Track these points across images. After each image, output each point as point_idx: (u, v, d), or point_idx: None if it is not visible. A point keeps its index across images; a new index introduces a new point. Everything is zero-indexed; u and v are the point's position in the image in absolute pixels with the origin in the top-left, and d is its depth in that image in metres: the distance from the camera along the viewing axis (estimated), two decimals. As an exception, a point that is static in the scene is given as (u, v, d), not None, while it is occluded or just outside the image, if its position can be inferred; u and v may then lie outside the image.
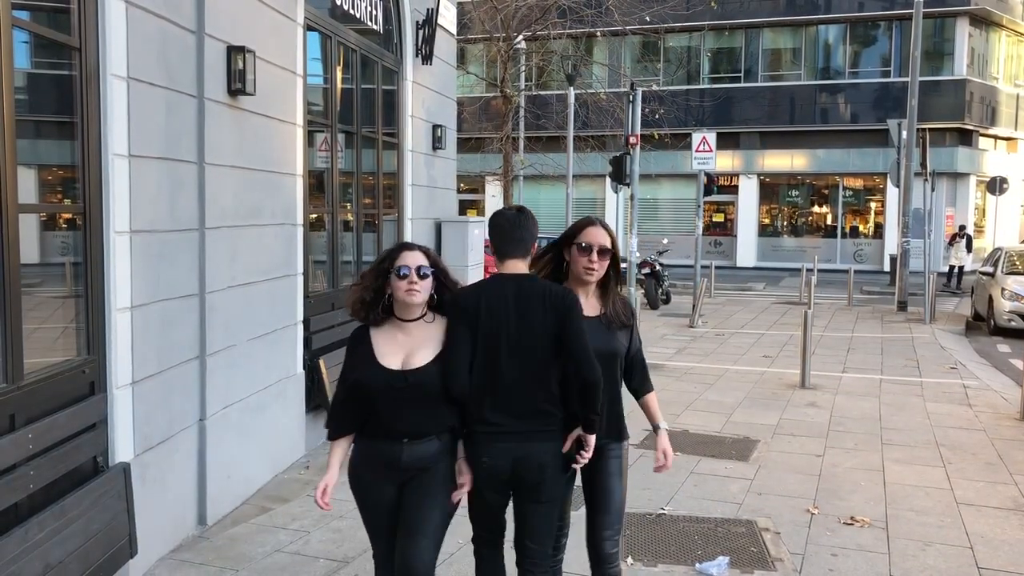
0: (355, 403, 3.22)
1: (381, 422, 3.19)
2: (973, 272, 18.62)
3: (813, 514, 5.60)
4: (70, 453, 3.98)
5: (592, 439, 3.29)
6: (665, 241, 21.79)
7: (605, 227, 3.53)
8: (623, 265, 21.74)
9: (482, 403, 3.27)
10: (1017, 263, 15.50)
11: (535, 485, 3.33)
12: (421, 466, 3.22)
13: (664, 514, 5.53)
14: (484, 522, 3.50)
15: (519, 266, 3.36)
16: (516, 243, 3.35)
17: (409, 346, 3.20)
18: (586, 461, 3.34)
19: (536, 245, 3.47)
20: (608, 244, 3.47)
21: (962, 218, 27.84)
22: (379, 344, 3.20)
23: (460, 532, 5.10)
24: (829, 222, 30.50)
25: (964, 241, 22.42)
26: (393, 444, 3.19)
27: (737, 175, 30.21)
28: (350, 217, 8.07)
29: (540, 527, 3.40)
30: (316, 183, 7.28)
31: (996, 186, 24.42)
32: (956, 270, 22.46)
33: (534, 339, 3.22)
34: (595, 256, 3.44)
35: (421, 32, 9.17)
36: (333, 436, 3.32)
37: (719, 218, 31.15)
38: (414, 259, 3.18)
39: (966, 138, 28.60)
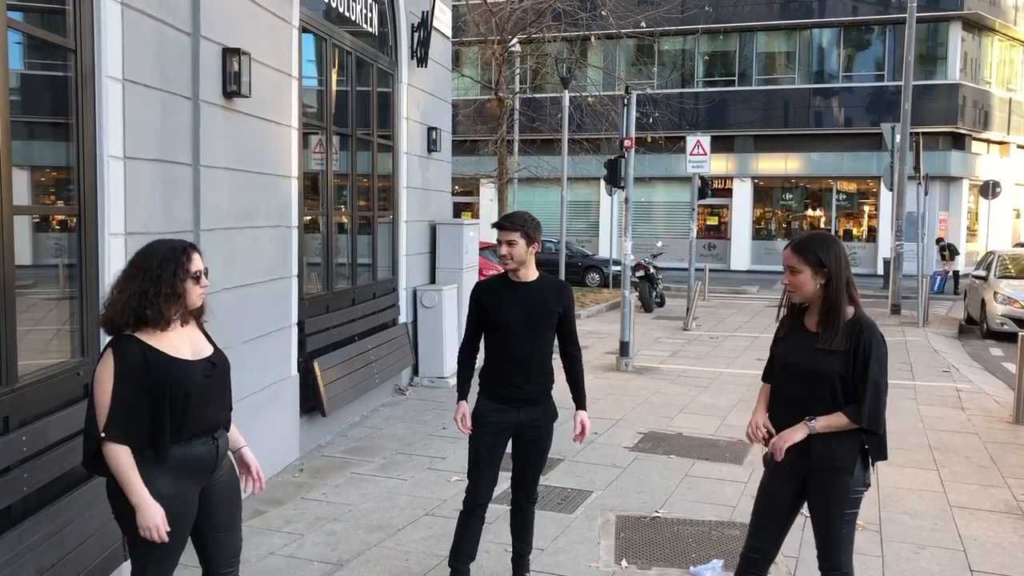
0: (152, 410, 2.94)
1: (196, 421, 3.03)
2: (967, 276, 18.68)
3: (807, 517, 5.59)
4: (64, 455, 3.97)
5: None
6: (659, 244, 21.80)
7: (800, 246, 3.46)
8: (616, 268, 21.55)
9: None
10: (1010, 267, 15.56)
11: None
12: (224, 459, 3.21)
13: (658, 517, 5.54)
14: None
15: None
16: None
17: (185, 339, 3.09)
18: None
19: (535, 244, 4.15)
20: (794, 263, 3.43)
21: (955, 222, 27.99)
22: (161, 344, 2.99)
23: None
24: (823, 225, 30.56)
25: (947, 252, 22.57)
26: (208, 442, 3.09)
27: (731, 178, 30.29)
28: (345, 219, 8.07)
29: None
30: (311, 185, 7.28)
31: (989, 190, 24.54)
32: (951, 274, 22.58)
33: None
34: (786, 278, 3.50)
35: (416, 35, 9.18)
36: (141, 444, 2.94)
37: (713, 221, 31.22)
38: (201, 261, 3.11)
39: (959, 142, 28.71)
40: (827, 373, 3.38)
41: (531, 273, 4.16)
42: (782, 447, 3.42)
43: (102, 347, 3.02)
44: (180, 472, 3.00)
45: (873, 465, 3.55)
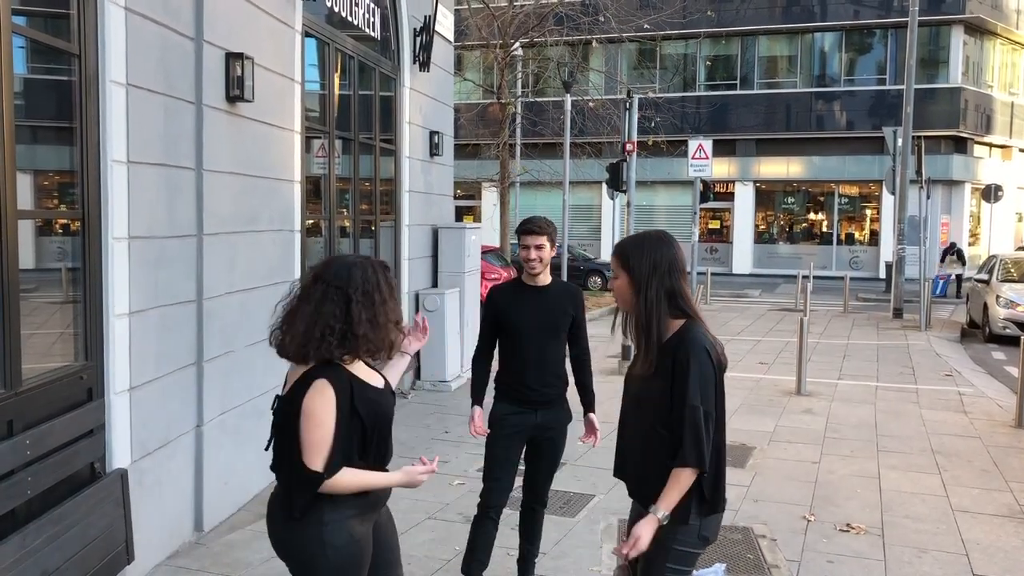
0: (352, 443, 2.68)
1: (386, 454, 2.81)
2: (969, 279, 18.68)
3: (809, 521, 5.61)
4: (68, 459, 3.98)
5: None
6: (661, 247, 21.76)
7: (618, 247, 2.98)
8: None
9: None
10: (1012, 270, 15.54)
11: None
12: None
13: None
14: None
15: None
16: None
17: (365, 367, 2.80)
18: None
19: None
20: (614, 266, 2.98)
21: (957, 225, 27.97)
22: (359, 373, 2.72)
23: (456, 540, 5.12)
24: (825, 229, 30.58)
25: (955, 256, 22.53)
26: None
27: (733, 182, 30.28)
28: (347, 223, 8.08)
29: None
30: (313, 189, 7.29)
31: (991, 194, 24.52)
32: (954, 277, 22.56)
33: None
34: (611, 282, 3.16)
35: (418, 39, 9.20)
36: None
37: (715, 225, 31.22)
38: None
39: (961, 146, 28.71)
40: (648, 401, 2.86)
41: (546, 278, 4.22)
42: (638, 547, 2.77)
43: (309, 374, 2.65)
44: (366, 509, 2.75)
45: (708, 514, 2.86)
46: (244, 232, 5.69)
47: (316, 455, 2.56)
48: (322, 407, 2.57)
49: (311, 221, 7.16)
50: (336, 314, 2.61)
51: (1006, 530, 5.52)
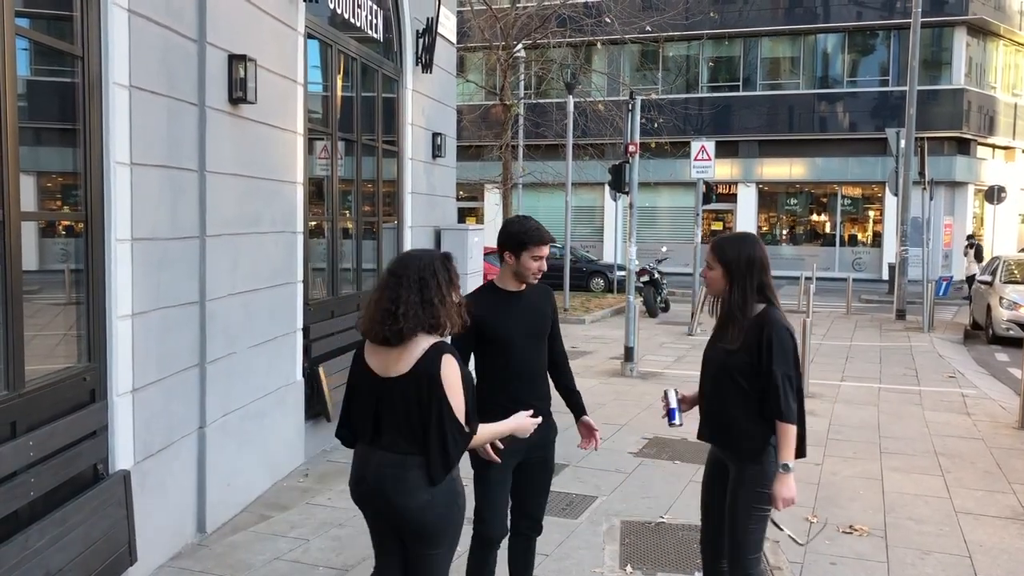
0: None
1: None
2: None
3: (812, 522, 5.60)
4: (71, 460, 3.99)
5: None
6: (664, 249, 21.81)
7: (716, 244, 3.60)
8: (620, 273, 21.31)
9: None
10: (1015, 272, 15.52)
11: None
12: None
13: (663, 522, 5.53)
14: None
15: None
16: None
17: None
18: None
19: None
20: (709, 260, 3.57)
21: (960, 227, 27.94)
22: None
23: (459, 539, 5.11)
24: (828, 230, 30.57)
25: (973, 251, 22.45)
26: None
27: (736, 183, 30.28)
28: (350, 225, 8.08)
29: None
30: (316, 191, 7.30)
31: (994, 195, 24.49)
32: (965, 277, 22.52)
33: None
34: (705, 271, 3.65)
35: (421, 41, 9.19)
36: None
37: (718, 226, 31.19)
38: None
39: (964, 147, 28.69)
40: (730, 370, 3.50)
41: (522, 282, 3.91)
42: (787, 499, 3.44)
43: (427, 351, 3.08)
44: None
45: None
46: (247, 234, 5.70)
47: (462, 416, 3.06)
48: (455, 375, 3.06)
49: (314, 223, 7.16)
50: (401, 296, 3.03)
51: (1009, 532, 5.52)
